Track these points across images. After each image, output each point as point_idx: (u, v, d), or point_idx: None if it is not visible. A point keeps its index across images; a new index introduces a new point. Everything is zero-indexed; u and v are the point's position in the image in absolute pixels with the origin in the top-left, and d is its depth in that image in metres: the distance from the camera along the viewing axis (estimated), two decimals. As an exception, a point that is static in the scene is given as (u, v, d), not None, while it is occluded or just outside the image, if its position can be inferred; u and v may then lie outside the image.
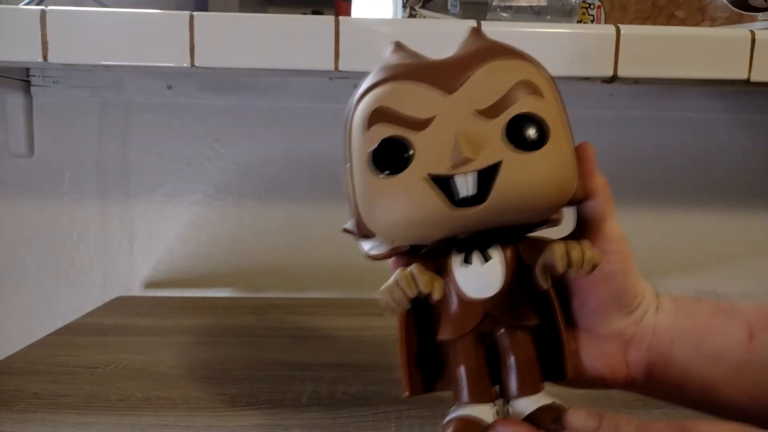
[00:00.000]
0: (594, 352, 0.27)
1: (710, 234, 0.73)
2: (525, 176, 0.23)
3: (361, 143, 0.25)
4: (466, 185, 0.23)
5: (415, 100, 0.24)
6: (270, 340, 0.52)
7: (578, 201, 0.26)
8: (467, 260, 0.25)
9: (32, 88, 0.68)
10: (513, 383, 0.25)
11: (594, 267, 0.23)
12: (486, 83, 0.24)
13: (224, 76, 0.69)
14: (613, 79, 0.49)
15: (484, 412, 0.25)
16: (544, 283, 0.24)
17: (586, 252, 0.23)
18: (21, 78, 0.67)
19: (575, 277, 0.23)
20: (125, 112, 0.70)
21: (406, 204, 0.23)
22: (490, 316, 0.25)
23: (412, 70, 0.25)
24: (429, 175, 0.23)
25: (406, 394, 0.26)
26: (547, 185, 0.23)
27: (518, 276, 0.25)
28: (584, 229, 0.26)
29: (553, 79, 0.26)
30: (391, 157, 0.23)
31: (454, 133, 0.23)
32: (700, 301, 0.27)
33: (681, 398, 0.27)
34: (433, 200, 0.23)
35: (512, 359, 0.25)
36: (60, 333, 0.53)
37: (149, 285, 0.72)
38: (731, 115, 0.72)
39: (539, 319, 0.25)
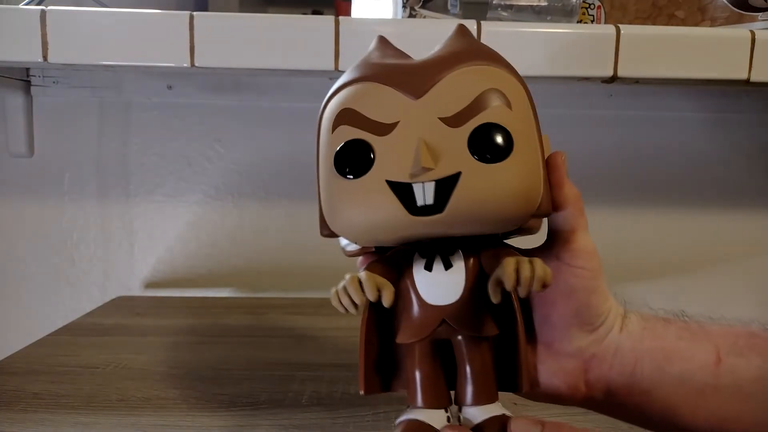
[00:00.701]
0: (553, 368, 0.26)
1: (710, 234, 0.73)
2: (484, 188, 0.22)
3: (326, 144, 0.25)
4: (423, 194, 0.22)
5: (382, 103, 0.24)
6: (270, 340, 0.52)
7: (545, 213, 0.25)
8: (428, 266, 0.25)
9: (32, 88, 0.68)
10: (467, 391, 0.25)
11: (544, 286, 0.22)
12: (453, 89, 0.23)
13: (224, 76, 0.69)
14: (613, 79, 0.49)
15: (436, 417, 0.25)
16: (494, 298, 0.23)
17: (537, 271, 0.22)
18: (21, 78, 0.67)
19: (523, 295, 0.22)
20: (125, 112, 0.70)
21: (365, 209, 0.23)
22: (446, 324, 0.25)
23: (383, 71, 0.25)
24: (387, 181, 0.23)
25: (361, 392, 0.26)
26: (507, 198, 0.22)
27: (479, 285, 0.25)
28: (553, 241, 0.26)
29: (526, 86, 0.25)
30: (353, 161, 0.23)
31: (416, 141, 0.22)
32: (669, 321, 0.26)
33: (642, 420, 0.26)
34: (391, 207, 0.22)
35: (468, 368, 0.25)
36: (60, 333, 0.53)
37: (149, 285, 0.72)
38: (731, 115, 0.72)
39: (498, 329, 0.25)
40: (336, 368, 0.45)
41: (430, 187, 0.22)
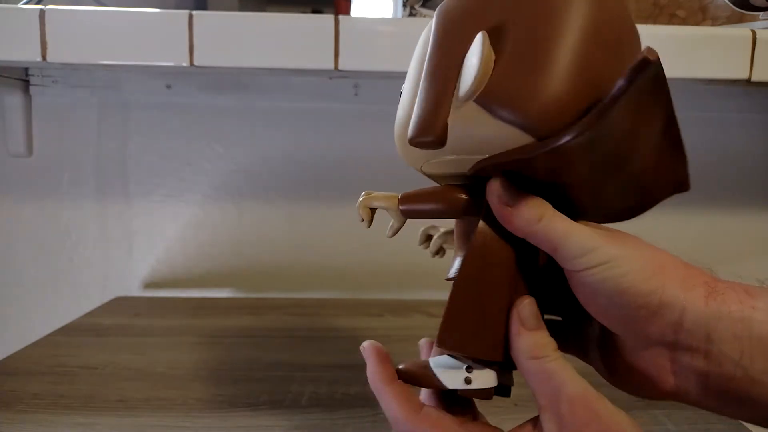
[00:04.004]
0: (633, 358, 0.23)
1: (711, 234, 0.73)
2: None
3: None
4: None
5: None
6: (270, 340, 0.52)
7: (428, 140, 0.22)
8: None
9: (31, 87, 0.68)
10: None
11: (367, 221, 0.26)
12: None
13: (224, 76, 0.69)
14: (614, 78, 0.49)
15: None
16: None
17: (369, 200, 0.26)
18: (20, 77, 0.67)
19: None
20: (124, 111, 0.69)
21: None
22: None
23: None
24: None
25: None
26: (396, 133, 0.25)
27: (471, 230, 0.25)
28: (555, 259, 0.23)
29: (443, 17, 0.23)
30: None
31: None
32: None
33: (754, 417, 0.22)
34: None
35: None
36: (59, 333, 0.53)
37: (148, 285, 0.72)
38: (732, 115, 0.72)
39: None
40: (336, 369, 0.45)
41: None
